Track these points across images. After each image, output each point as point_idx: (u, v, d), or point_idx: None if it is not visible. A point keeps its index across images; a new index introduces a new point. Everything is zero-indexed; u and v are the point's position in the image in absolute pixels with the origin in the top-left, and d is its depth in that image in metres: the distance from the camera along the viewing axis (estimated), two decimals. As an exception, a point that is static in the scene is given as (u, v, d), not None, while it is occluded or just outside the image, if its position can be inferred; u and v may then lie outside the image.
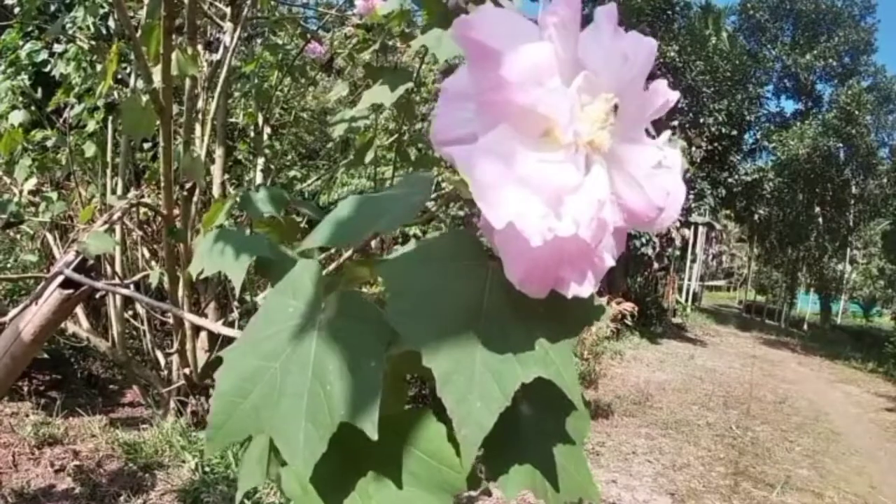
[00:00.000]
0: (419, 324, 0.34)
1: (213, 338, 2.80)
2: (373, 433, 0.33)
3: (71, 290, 1.18)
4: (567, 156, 0.31)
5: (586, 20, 0.32)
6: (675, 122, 10.17)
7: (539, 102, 0.30)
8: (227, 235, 0.83)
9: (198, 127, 2.60)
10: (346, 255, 0.41)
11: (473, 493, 0.42)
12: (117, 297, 2.98)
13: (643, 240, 8.99)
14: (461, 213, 3.97)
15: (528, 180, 0.30)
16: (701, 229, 13.08)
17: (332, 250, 1.35)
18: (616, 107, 0.32)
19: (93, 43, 2.75)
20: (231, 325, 2.97)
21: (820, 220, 15.73)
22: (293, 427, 0.35)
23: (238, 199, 0.97)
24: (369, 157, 1.90)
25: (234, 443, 0.39)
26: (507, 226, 0.29)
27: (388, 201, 0.42)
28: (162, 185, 2.00)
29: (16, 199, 2.43)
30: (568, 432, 0.43)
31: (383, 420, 0.34)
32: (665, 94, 0.32)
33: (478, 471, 0.39)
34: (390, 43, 1.88)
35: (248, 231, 1.23)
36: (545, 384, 0.35)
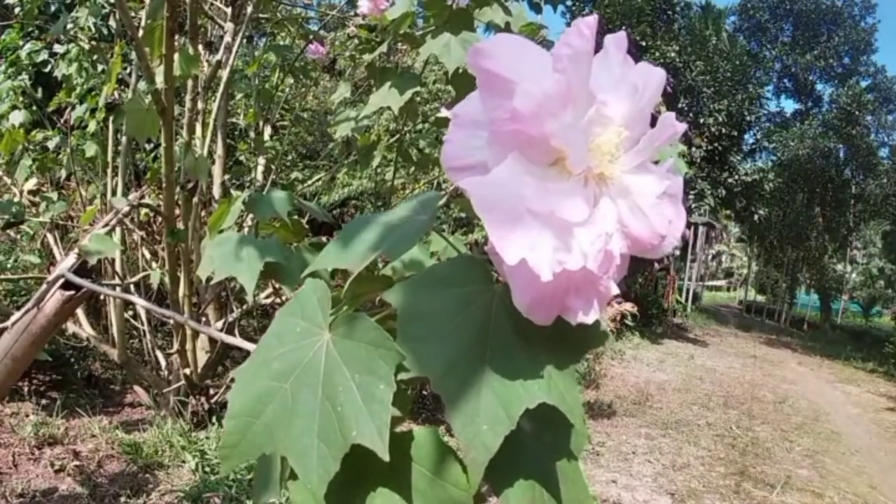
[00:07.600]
0: (428, 349, 0.35)
1: (214, 338, 2.80)
2: (384, 455, 0.34)
3: (72, 292, 1.18)
4: (577, 187, 0.31)
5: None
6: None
7: (552, 135, 0.30)
8: (238, 239, 0.83)
9: (198, 127, 2.60)
10: (353, 276, 0.41)
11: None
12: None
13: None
14: (463, 214, 3.97)
15: (540, 215, 0.30)
16: (701, 229, 13.07)
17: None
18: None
19: (93, 43, 2.75)
20: (231, 325, 2.97)
21: (820, 220, 15.71)
22: (306, 446, 0.36)
23: (244, 200, 0.96)
24: (376, 160, 1.89)
25: (248, 460, 0.39)
26: (520, 262, 0.29)
27: (393, 224, 0.42)
28: (163, 185, 2.00)
29: (16, 200, 2.43)
30: (565, 446, 0.43)
31: (391, 438, 0.34)
32: (673, 126, 0.32)
33: (486, 490, 0.39)
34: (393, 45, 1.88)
35: (248, 232, 1.23)
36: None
